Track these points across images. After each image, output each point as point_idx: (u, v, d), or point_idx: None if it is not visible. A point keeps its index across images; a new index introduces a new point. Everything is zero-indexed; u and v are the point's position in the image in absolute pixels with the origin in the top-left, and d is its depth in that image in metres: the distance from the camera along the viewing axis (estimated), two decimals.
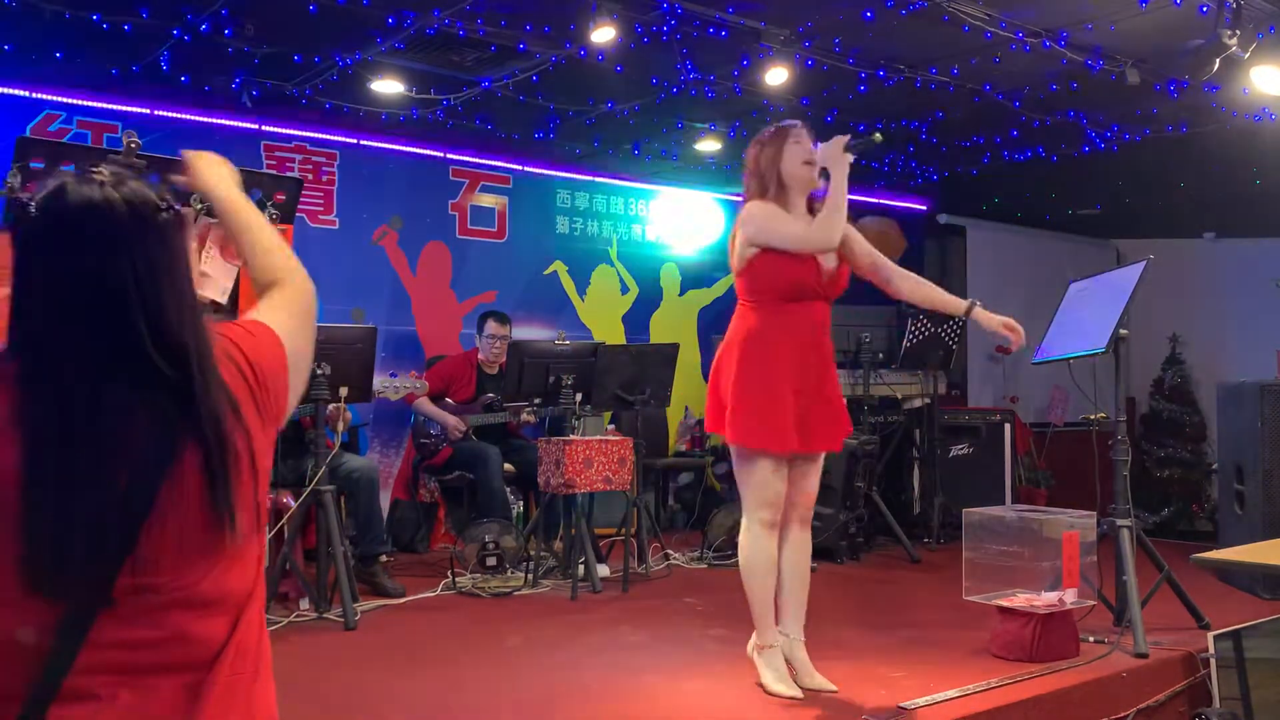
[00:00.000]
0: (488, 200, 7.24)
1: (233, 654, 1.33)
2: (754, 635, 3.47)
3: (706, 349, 7.46)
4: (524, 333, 6.72)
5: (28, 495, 1.22)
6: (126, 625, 1.26)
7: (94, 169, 1.33)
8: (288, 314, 1.57)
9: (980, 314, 3.47)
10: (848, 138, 3.32)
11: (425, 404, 6.05)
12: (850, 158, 3.32)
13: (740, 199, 3.55)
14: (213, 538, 1.32)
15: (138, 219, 1.31)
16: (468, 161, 7.13)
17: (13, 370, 1.28)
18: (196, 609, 1.31)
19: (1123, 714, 3.53)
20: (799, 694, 3.31)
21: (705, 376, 7.47)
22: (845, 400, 6.59)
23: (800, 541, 3.48)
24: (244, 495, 1.35)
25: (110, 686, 1.25)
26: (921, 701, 3.23)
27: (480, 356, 6.23)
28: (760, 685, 3.39)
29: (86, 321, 1.27)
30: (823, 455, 3.50)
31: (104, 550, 1.24)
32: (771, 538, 3.40)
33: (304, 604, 4.54)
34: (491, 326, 6.18)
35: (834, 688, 3.37)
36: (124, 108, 5.89)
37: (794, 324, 3.34)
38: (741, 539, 3.45)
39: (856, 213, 8.66)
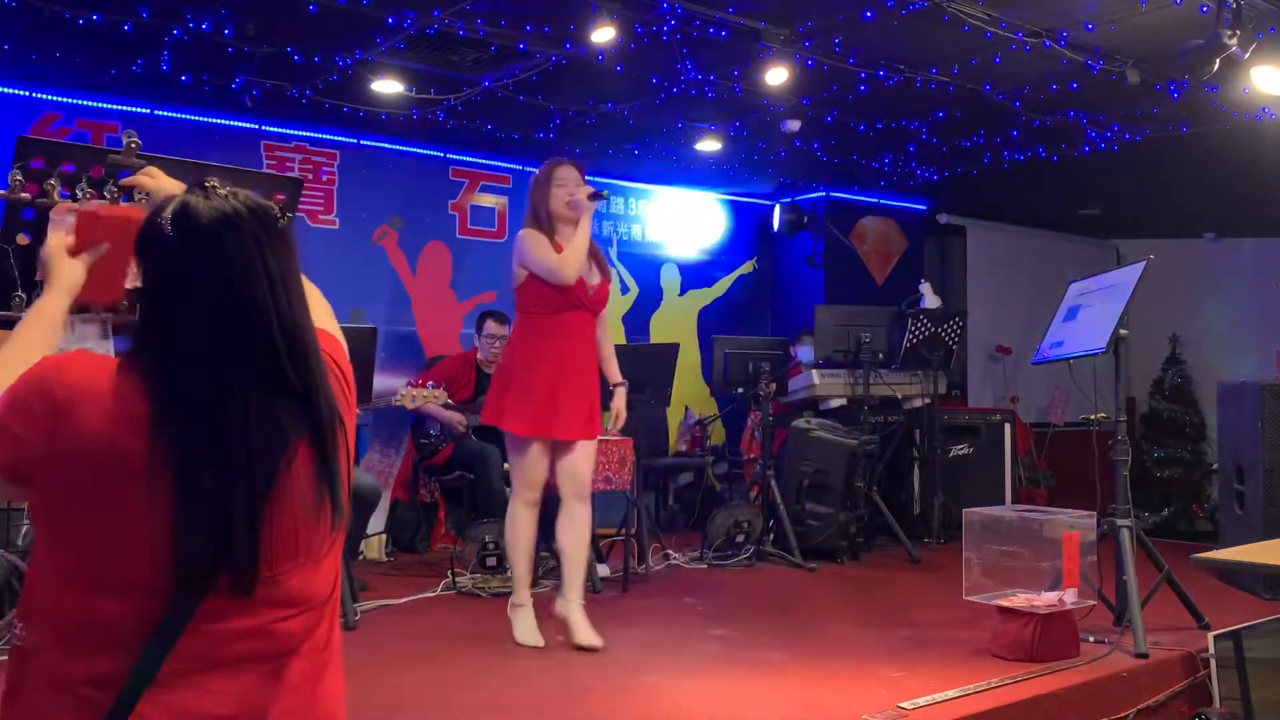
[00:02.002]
0: (488, 200, 7.24)
1: (307, 650, 1.39)
2: (512, 595, 4.14)
3: (706, 349, 7.46)
4: None
5: (181, 496, 1.28)
6: (224, 616, 1.31)
7: (208, 183, 1.37)
8: (326, 313, 1.62)
9: (619, 393, 4.25)
10: (591, 189, 4.04)
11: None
12: (593, 206, 4.04)
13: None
14: (314, 536, 1.38)
15: (264, 228, 1.36)
16: (468, 161, 7.13)
17: (143, 366, 1.32)
18: (283, 607, 1.36)
19: (1123, 714, 3.53)
20: (541, 643, 3.96)
21: (705, 376, 7.54)
22: (842, 399, 6.59)
23: (580, 516, 4.07)
24: (344, 491, 1.41)
25: (201, 673, 1.30)
26: (922, 701, 3.23)
27: (479, 356, 6.22)
28: (513, 638, 3.99)
29: (227, 328, 1.33)
30: (591, 444, 4.09)
31: (234, 545, 1.29)
32: (532, 514, 4.06)
33: None
34: (491, 326, 6.18)
35: (600, 643, 3.91)
36: (124, 108, 5.89)
37: (559, 331, 4.00)
38: (509, 514, 4.10)
39: (857, 212, 8.74)
